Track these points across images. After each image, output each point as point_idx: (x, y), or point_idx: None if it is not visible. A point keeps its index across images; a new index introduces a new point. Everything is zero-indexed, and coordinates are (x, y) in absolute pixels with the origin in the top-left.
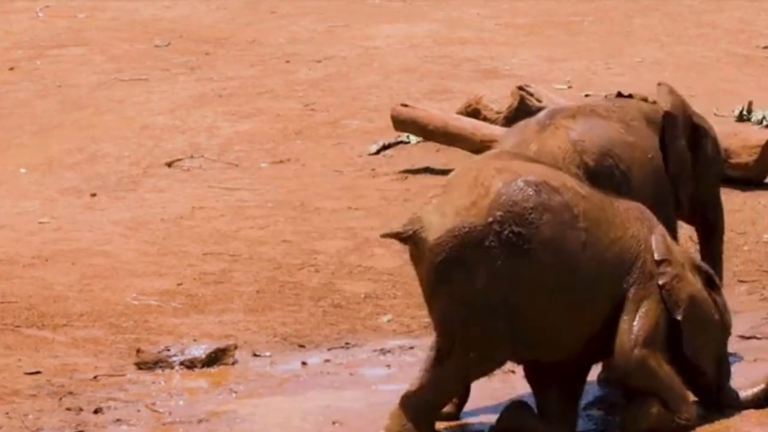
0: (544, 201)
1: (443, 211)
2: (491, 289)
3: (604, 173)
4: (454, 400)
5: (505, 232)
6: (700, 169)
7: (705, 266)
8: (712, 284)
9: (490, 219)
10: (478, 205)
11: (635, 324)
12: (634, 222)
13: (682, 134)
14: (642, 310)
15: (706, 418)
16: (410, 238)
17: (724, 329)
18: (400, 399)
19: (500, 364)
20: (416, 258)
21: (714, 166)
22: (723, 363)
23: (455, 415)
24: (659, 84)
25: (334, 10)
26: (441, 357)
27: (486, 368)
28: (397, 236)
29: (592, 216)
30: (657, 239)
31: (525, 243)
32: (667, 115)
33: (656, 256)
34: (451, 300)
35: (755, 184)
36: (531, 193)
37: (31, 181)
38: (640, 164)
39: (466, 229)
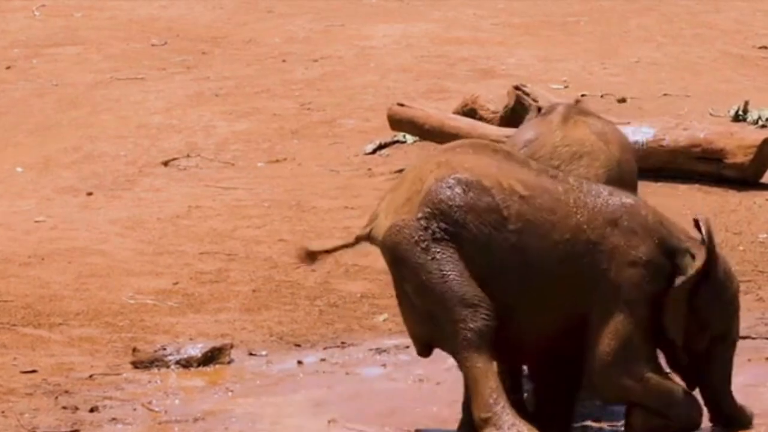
0: (469, 201)
1: (387, 209)
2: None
3: (627, 167)
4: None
5: (432, 228)
6: None
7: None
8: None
9: (420, 215)
10: (412, 201)
11: (605, 346)
12: (600, 223)
13: None
14: (610, 328)
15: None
16: (369, 238)
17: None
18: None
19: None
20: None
21: None
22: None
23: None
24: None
25: (331, 9)
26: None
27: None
28: (361, 238)
29: (530, 217)
30: None
31: (452, 240)
32: None
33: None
34: (416, 294)
35: (751, 184)
36: (458, 191)
37: (28, 180)
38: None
39: (399, 226)
